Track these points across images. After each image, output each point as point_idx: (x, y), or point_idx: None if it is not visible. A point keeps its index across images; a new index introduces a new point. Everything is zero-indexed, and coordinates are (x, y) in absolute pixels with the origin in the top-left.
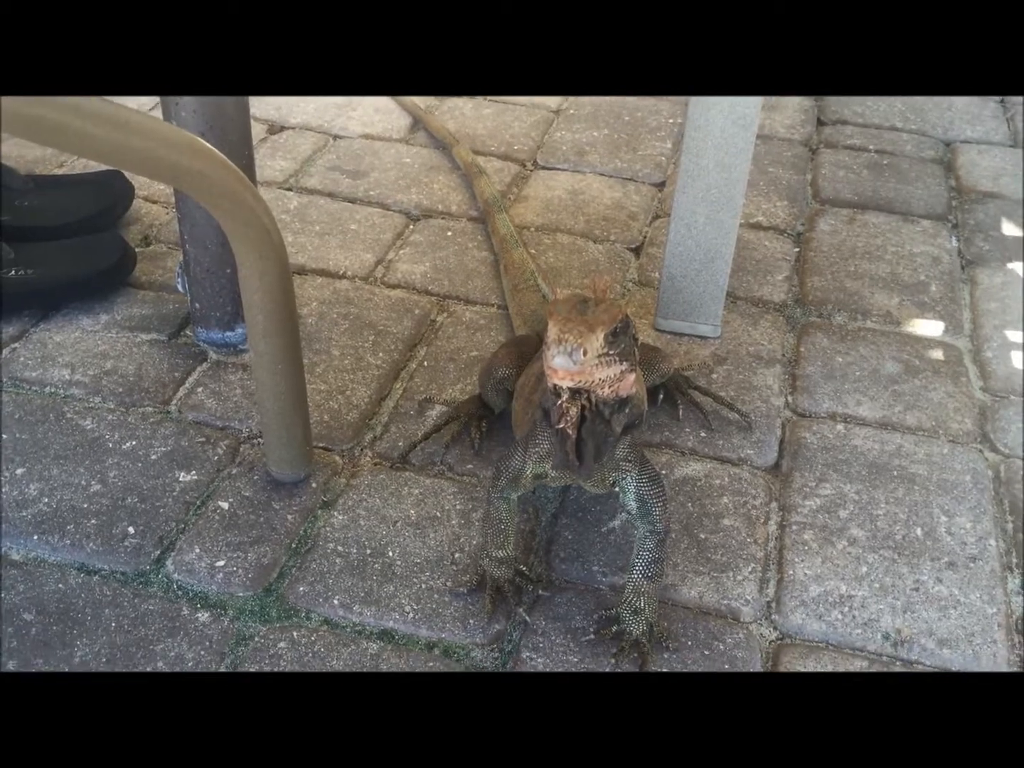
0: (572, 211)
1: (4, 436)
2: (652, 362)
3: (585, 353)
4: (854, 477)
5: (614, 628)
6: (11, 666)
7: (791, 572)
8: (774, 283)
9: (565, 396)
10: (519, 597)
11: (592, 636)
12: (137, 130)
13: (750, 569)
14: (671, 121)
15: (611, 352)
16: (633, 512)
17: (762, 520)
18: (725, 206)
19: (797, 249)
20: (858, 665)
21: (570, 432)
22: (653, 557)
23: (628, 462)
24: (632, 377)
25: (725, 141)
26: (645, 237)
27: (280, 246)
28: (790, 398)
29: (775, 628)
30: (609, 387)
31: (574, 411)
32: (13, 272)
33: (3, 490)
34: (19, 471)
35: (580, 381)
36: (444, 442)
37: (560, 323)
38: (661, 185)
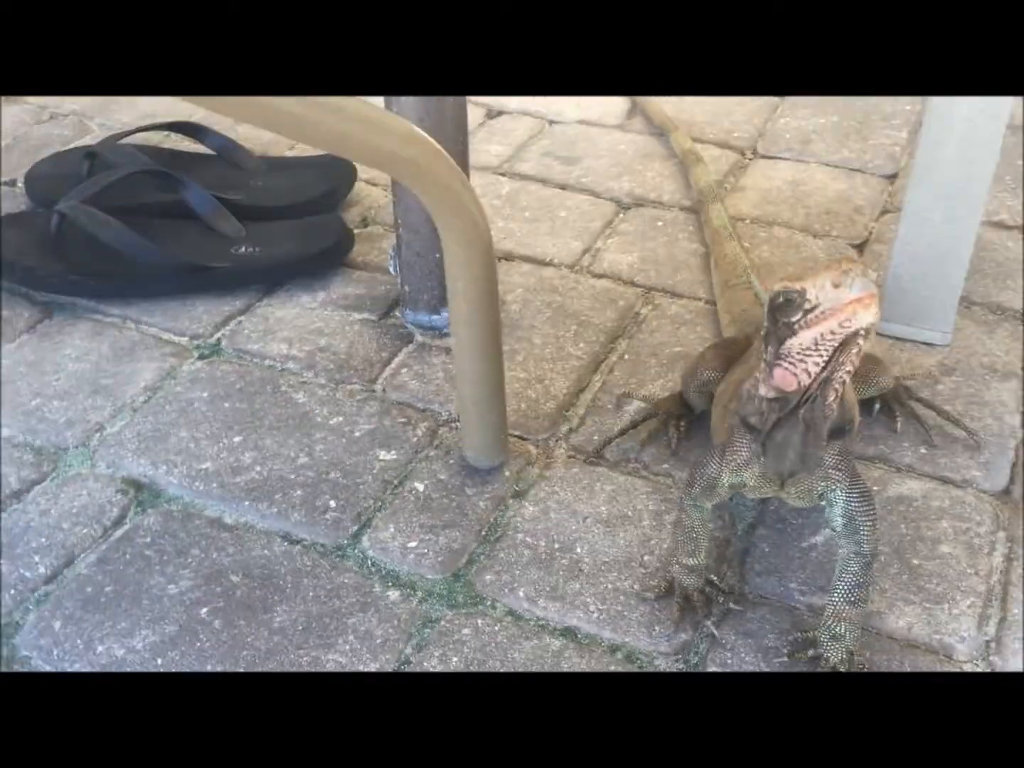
0: (792, 203)
1: (226, 405)
2: (869, 374)
3: (871, 276)
4: None
5: (810, 652)
6: (216, 625)
7: (1016, 611)
8: (1015, 289)
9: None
10: (708, 608)
11: (785, 658)
12: (354, 116)
13: (969, 603)
14: (908, 108)
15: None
16: (839, 530)
17: (986, 550)
18: (965, 203)
19: None
20: None
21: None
22: (857, 581)
23: (838, 471)
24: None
25: (970, 132)
26: (871, 233)
27: (486, 236)
28: None
29: (992, 670)
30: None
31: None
32: (243, 249)
33: (222, 456)
34: (236, 439)
35: (878, 310)
36: (640, 440)
37: (827, 266)
38: (892, 178)
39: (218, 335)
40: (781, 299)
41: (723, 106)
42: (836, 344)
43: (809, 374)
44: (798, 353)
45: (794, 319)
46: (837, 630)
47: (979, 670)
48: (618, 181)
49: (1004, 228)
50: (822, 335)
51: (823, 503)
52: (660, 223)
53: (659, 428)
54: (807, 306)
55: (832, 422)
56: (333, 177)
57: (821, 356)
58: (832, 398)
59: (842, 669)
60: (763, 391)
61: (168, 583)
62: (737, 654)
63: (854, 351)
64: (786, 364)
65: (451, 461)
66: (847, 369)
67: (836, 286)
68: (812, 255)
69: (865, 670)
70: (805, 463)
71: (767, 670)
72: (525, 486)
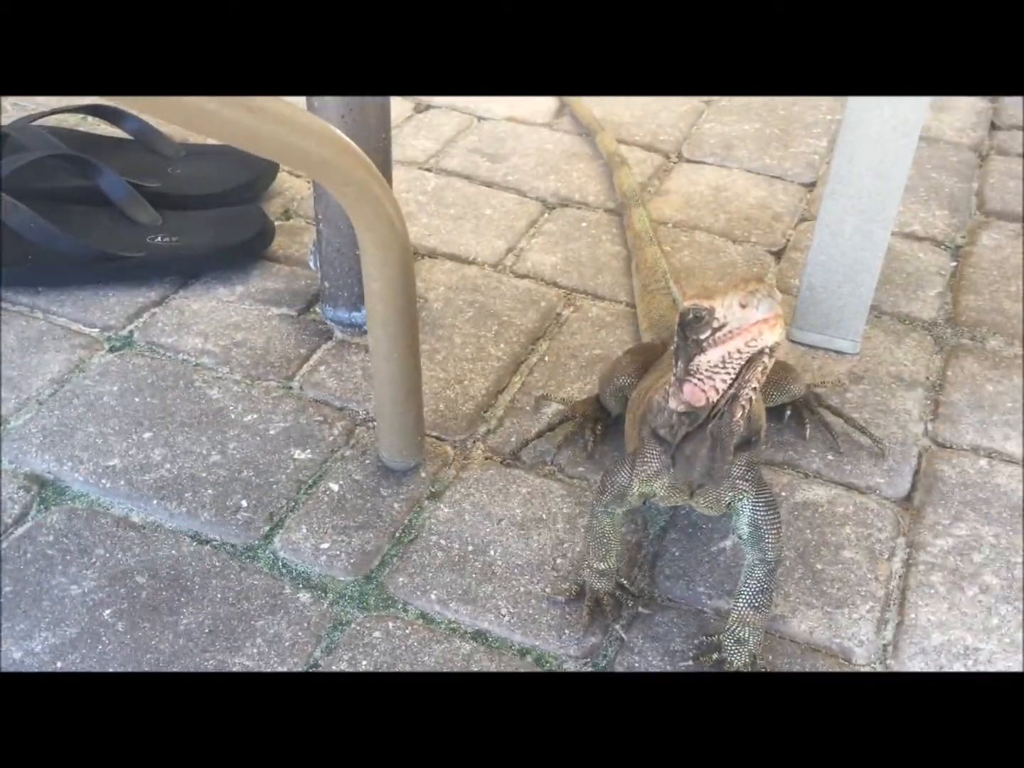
0: (713, 208)
1: (136, 399)
2: (781, 381)
3: (776, 297)
4: (993, 519)
5: (715, 656)
6: (119, 627)
7: (913, 616)
8: (924, 299)
9: (766, 360)
10: (618, 612)
11: (691, 662)
12: (271, 116)
13: (868, 607)
14: (829, 118)
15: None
16: (744, 537)
17: (886, 556)
18: (877, 215)
19: (954, 264)
20: None
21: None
22: (761, 587)
23: (744, 482)
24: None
25: (883, 144)
26: (788, 240)
27: (403, 238)
28: (930, 426)
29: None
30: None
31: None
32: (159, 239)
33: (131, 452)
34: (146, 435)
35: (782, 330)
36: (556, 443)
37: (735, 285)
38: (811, 186)
39: (130, 327)
40: (691, 316)
41: (650, 109)
42: (743, 362)
43: (717, 391)
44: (707, 370)
45: (703, 336)
46: (741, 634)
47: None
48: (544, 180)
49: (915, 239)
50: (729, 353)
51: (731, 511)
52: (584, 224)
53: (575, 431)
54: (715, 324)
55: (739, 436)
56: (255, 167)
57: (728, 374)
58: (739, 415)
59: (745, 671)
60: (673, 404)
61: (70, 583)
62: (644, 657)
63: (759, 369)
64: (695, 380)
65: (367, 461)
66: (753, 386)
67: (743, 306)
68: (731, 260)
69: (765, 671)
70: (712, 475)
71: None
72: (441, 487)
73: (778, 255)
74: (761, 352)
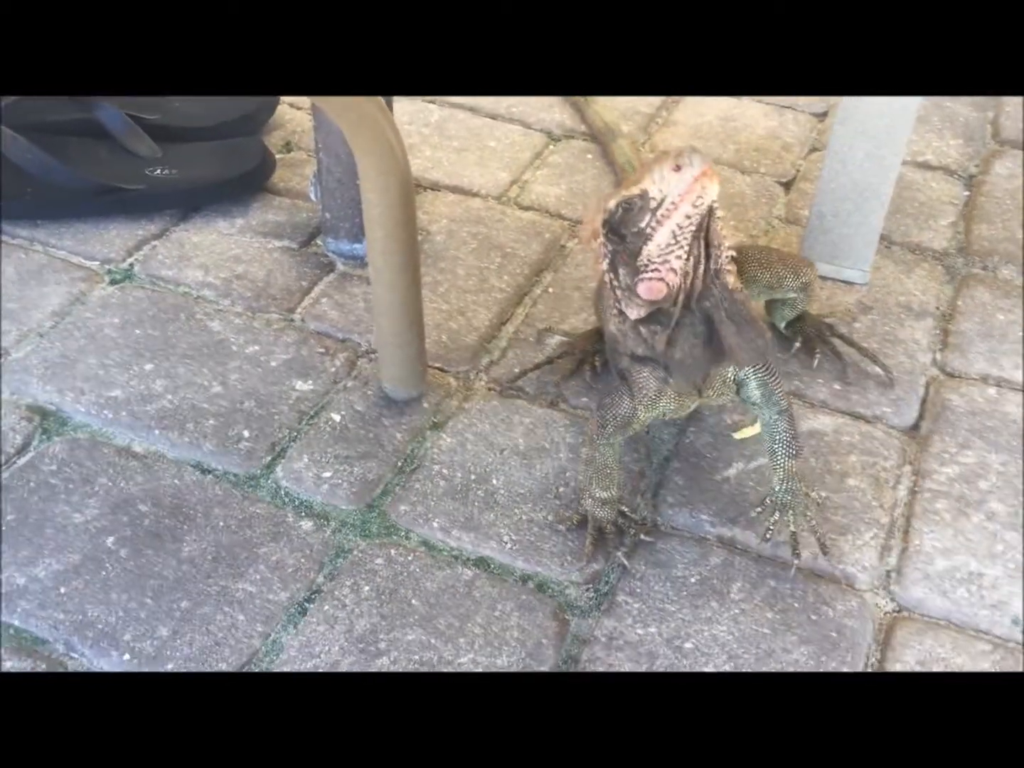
0: (722, 139)
1: (137, 331)
2: (797, 267)
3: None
4: (1001, 447)
5: (775, 517)
6: (122, 554)
7: (917, 542)
8: (936, 229)
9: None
10: (620, 539)
11: (761, 537)
12: None
13: (872, 534)
14: None
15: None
16: (758, 401)
17: (891, 484)
18: (888, 141)
19: (967, 193)
20: (980, 648)
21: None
22: (790, 435)
23: None
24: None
25: None
26: (798, 171)
27: (404, 163)
28: (939, 355)
29: (892, 600)
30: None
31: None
32: (159, 171)
33: (132, 383)
34: (148, 367)
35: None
36: (559, 375)
37: (658, 159)
38: (823, 116)
39: (131, 260)
40: (620, 211)
41: None
42: (693, 229)
43: (676, 271)
44: (658, 257)
45: (643, 224)
46: (791, 486)
47: (879, 600)
48: (549, 112)
49: (928, 168)
50: (679, 226)
51: (738, 388)
52: (589, 156)
53: (576, 364)
54: (652, 205)
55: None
56: (255, 99)
57: (682, 248)
58: (732, 280)
59: (808, 514)
60: (634, 315)
61: (73, 512)
62: (647, 583)
63: (717, 227)
64: (648, 275)
65: (369, 392)
66: (724, 244)
67: (678, 168)
68: (739, 192)
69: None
70: (717, 359)
71: (675, 599)
72: (443, 418)
73: (787, 186)
74: (711, 210)
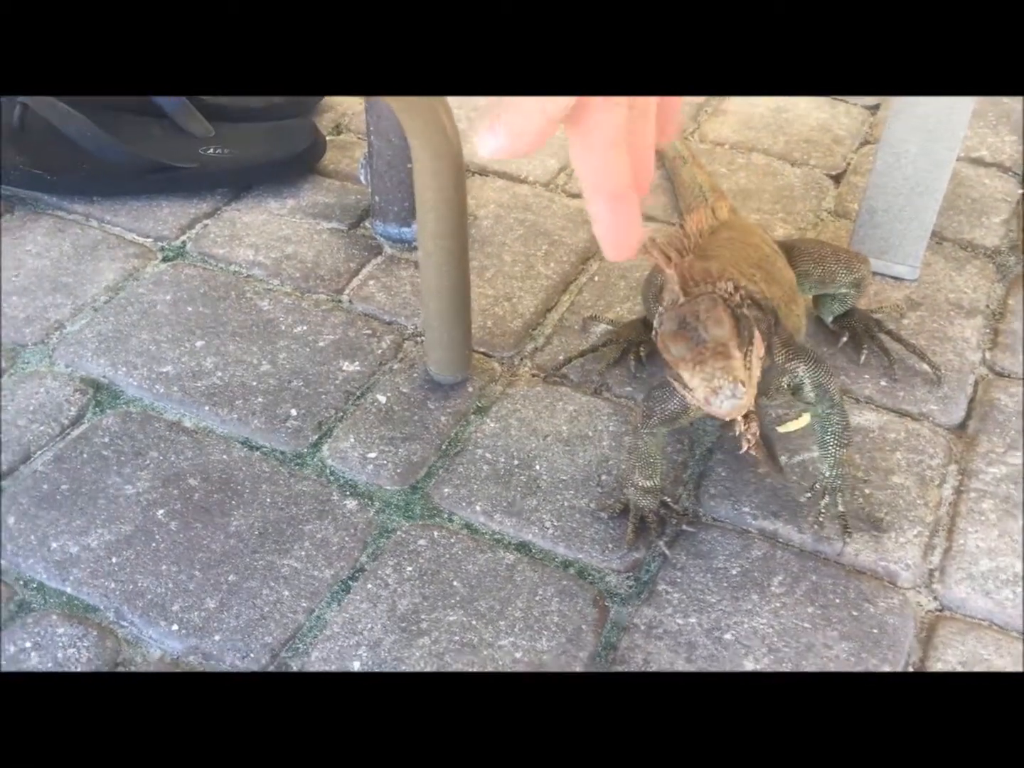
0: (773, 130)
1: (189, 308)
2: (850, 262)
3: (743, 384)
4: None
5: (825, 500)
6: (172, 526)
7: (962, 542)
8: (988, 226)
9: (741, 427)
10: (662, 529)
11: (811, 521)
12: None
13: (916, 532)
14: None
15: (748, 348)
16: (813, 400)
17: (937, 482)
18: (943, 136)
19: (1021, 191)
20: (1020, 650)
21: (761, 452)
22: (843, 426)
23: (792, 361)
24: (759, 335)
25: None
26: (849, 164)
27: (457, 147)
28: (988, 354)
29: (935, 598)
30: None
31: (755, 427)
32: (212, 150)
33: (183, 360)
34: (198, 343)
35: (749, 402)
36: (599, 369)
37: (694, 369)
38: (875, 109)
39: (183, 238)
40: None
41: None
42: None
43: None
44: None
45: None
46: (842, 471)
47: (921, 599)
48: None
49: (983, 165)
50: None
51: (793, 391)
52: None
53: (621, 353)
54: (683, 383)
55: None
56: None
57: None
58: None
59: (859, 498)
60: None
61: (125, 483)
62: (687, 574)
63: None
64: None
65: (415, 375)
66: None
67: (708, 394)
68: (788, 184)
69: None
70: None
71: (715, 590)
72: (487, 402)
73: (837, 179)
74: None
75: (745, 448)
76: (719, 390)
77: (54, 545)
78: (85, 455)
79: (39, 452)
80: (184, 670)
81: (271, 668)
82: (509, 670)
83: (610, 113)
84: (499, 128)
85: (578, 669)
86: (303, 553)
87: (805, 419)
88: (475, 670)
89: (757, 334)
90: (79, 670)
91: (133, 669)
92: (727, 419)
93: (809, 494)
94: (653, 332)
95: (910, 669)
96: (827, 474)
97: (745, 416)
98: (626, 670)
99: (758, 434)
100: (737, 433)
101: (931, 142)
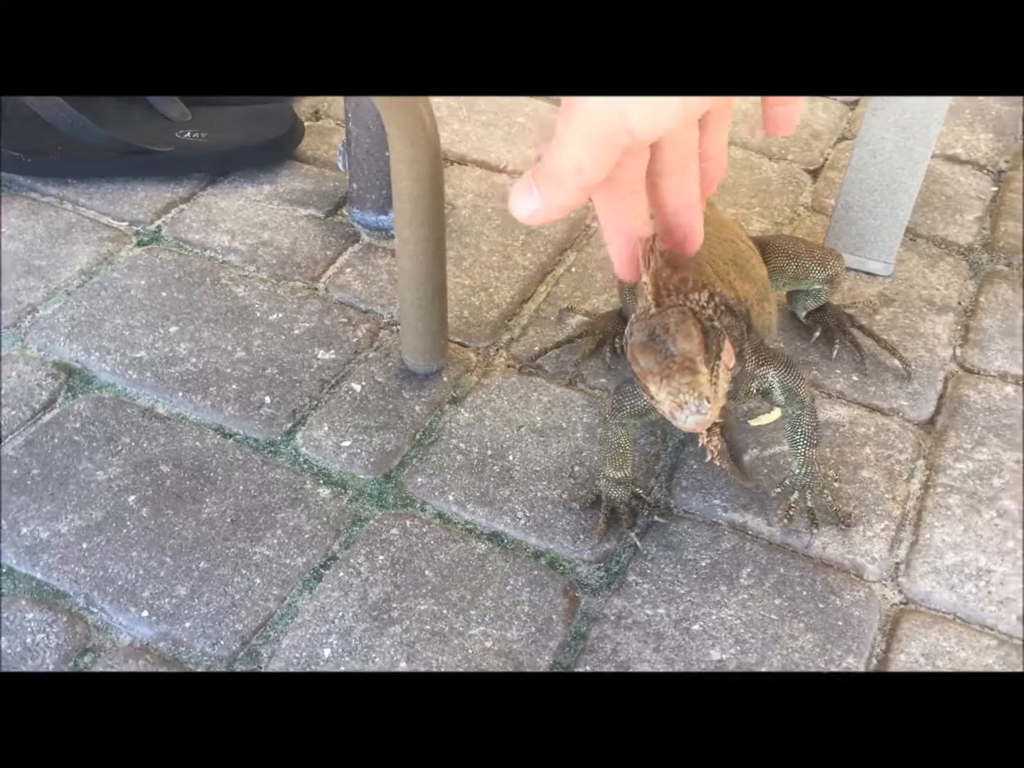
0: (751, 124)
1: (163, 294)
2: (824, 259)
3: (708, 400)
4: (1017, 445)
5: (793, 497)
6: (144, 513)
7: (928, 536)
8: (962, 223)
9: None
10: (633, 520)
11: (780, 515)
12: None
13: (883, 526)
14: None
15: (716, 362)
16: (782, 403)
17: (905, 477)
18: (919, 133)
19: (995, 188)
20: (985, 643)
21: (726, 462)
22: (812, 427)
23: (762, 367)
24: (729, 345)
25: None
26: (826, 159)
27: (433, 135)
28: (959, 351)
29: (900, 592)
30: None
31: (717, 441)
32: (188, 134)
33: (157, 345)
34: (172, 329)
35: (714, 417)
36: (575, 360)
37: (661, 383)
38: (854, 104)
39: (158, 222)
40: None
41: None
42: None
43: None
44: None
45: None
46: (811, 469)
47: (887, 592)
48: None
49: (957, 162)
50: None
51: (763, 394)
52: None
53: (596, 345)
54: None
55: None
56: None
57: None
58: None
59: (827, 493)
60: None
61: (96, 469)
62: (657, 565)
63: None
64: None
65: (390, 364)
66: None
67: (672, 409)
68: (766, 178)
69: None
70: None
71: (684, 582)
72: (462, 392)
73: (814, 173)
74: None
75: (709, 458)
76: (684, 405)
77: (24, 530)
78: (56, 440)
79: (10, 436)
80: (177, 670)
81: (241, 655)
82: (479, 661)
83: (635, 159)
84: (536, 194)
85: (547, 658)
86: (275, 541)
87: (777, 413)
88: (445, 670)
89: (728, 346)
90: (48, 656)
91: (103, 655)
92: (691, 432)
93: (779, 489)
94: (623, 341)
95: (874, 661)
96: (797, 471)
97: (709, 429)
98: (595, 659)
99: (720, 446)
100: (700, 445)
101: (907, 139)
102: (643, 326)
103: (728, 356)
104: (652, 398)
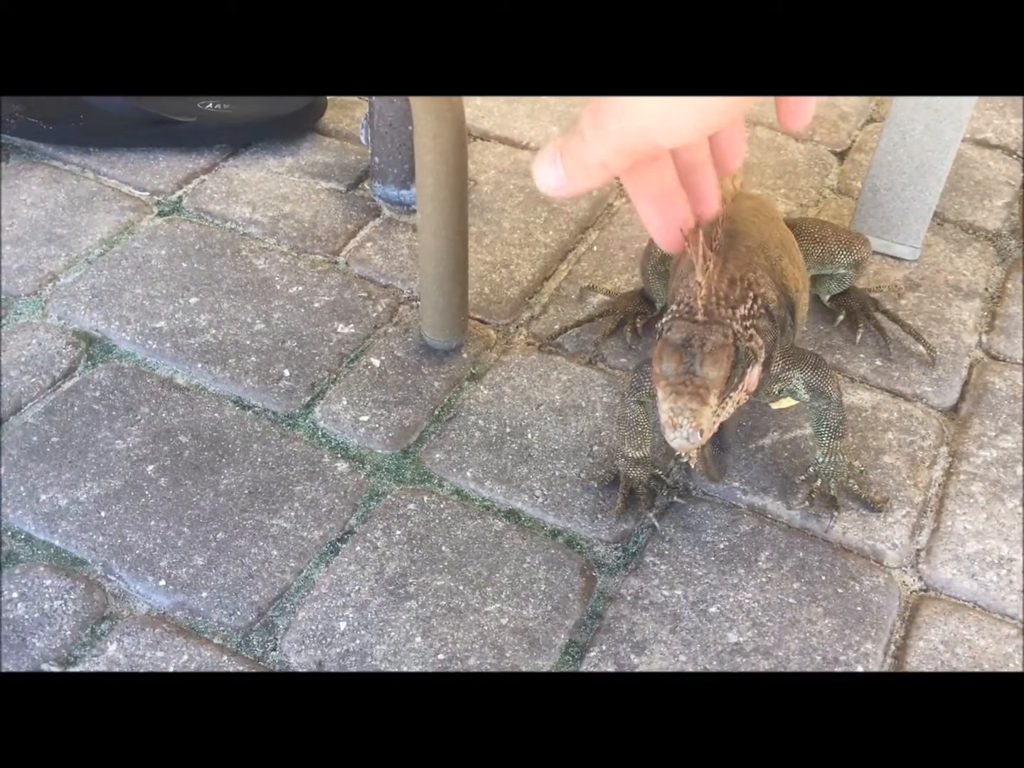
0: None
1: (184, 264)
2: (851, 243)
3: (702, 433)
4: None
5: (818, 482)
6: (162, 482)
7: (949, 523)
8: (991, 209)
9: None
10: (651, 501)
11: (802, 499)
12: None
13: (904, 512)
14: None
15: (730, 394)
16: (808, 400)
17: (927, 463)
18: (949, 116)
19: None
20: (1004, 632)
21: (701, 464)
22: (838, 420)
23: (788, 370)
24: (758, 369)
25: None
26: (853, 141)
27: (459, 109)
28: (984, 337)
29: (920, 578)
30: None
31: (696, 455)
32: (211, 105)
33: (177, 316)
34: (192, 300)
35: (701, 442)
36: (595, 340)
37: (668, 395)
38: None
39: (180, 193)
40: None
41: None
42: None
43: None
44: None
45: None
46: (834, 459)
47: (907, 578)
48: None
49: (987, 147)
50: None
51: (786, 393)
52: None
53: (617, 324)
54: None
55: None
56: None
57: None
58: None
59: (851, 482)
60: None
61: (115, 438)
62: (675, 546)
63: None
64: None
65: (409, 339)
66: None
67: (666, 422)
68: (792, 160)
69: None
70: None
71: (702, 563)
72: (482, 369)
73: (841, 156)
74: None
75: (686, 459)
76: (678, 427)
77: (43, 497)
78: (76, 408)
79: (30, 404)
80: (177, 671)
81: (257, 626)
82: (495, 637)
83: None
84: (560, 169)
85: (563, 637)
86: (292, 514)
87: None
88: (461, 646)
89: (755, 373)
90: (65, 623)
91: (120, 623)
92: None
93: (803, 476)
94: (657, 327)
95: (892, 648)
96: (821, 460)
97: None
98: (611, 639)
99: (699, 451)
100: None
101: (938, 121)
102: (683, 326)
103: (752, 381)
104: (656, 398)
